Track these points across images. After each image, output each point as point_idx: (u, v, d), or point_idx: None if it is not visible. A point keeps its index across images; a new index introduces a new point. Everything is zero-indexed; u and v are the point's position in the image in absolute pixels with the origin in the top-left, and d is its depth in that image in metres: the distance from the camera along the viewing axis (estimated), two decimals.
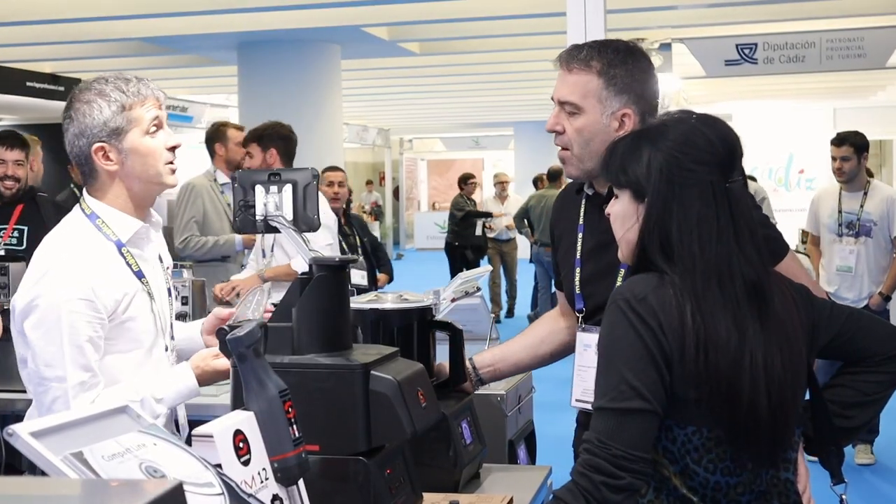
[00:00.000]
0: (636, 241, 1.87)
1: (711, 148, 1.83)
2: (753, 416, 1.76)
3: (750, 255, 1.81)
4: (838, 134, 6.24)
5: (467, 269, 10.11)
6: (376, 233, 23.00)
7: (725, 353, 1.75)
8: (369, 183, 26.29)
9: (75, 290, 2.26)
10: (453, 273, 11.17)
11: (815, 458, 2.02)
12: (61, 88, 12.64)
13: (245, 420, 1.64)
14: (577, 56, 2.33)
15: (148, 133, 2.36)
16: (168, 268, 2.56)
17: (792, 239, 6.80)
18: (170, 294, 2.51)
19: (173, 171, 2.42)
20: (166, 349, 2.49)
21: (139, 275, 2.39)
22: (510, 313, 12.51)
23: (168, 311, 2.49)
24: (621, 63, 2.31)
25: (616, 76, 2.30)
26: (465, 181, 12.82)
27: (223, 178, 5.81)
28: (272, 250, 4.94)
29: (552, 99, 2.38)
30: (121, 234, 2.38)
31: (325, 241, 4.99)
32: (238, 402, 1.83)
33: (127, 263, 2.37)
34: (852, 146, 6.05)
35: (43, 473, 1.24)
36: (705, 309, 1.76)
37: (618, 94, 2.29)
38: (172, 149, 2.40)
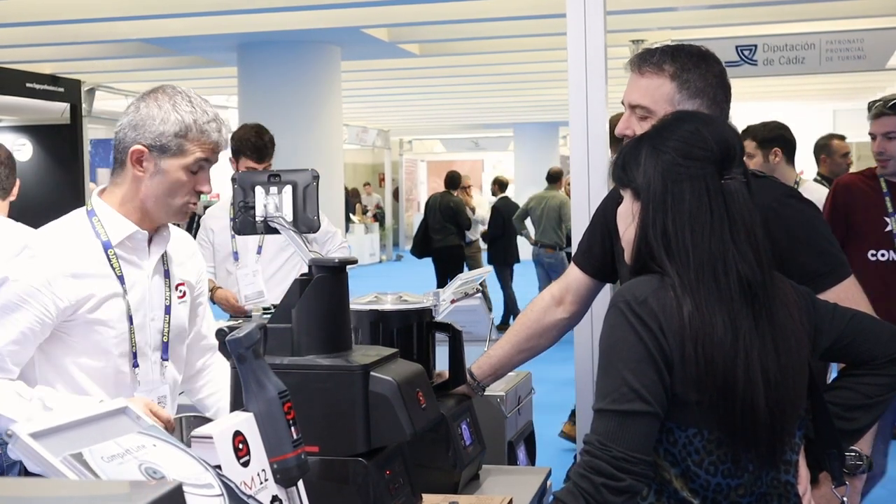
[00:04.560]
0: (633, 240, 1.87)
1: (705, 144, 1.84)
2: (751, 414, 1.77)
3: (745, 251, 1.81)
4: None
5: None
6: (377, 234, 23.22)
7: (721, 347, 1.75)
8: (367, 185, 26.29)
9: (33, 279, 2.25)
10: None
11: None
12: (61, 90, 12.65)
13: (244, 421, 1.64)
14: (650, 60, 2.31)
15: (187, 169, 2.34)
16: (180, 284, 2.50)
17: None
18: (167, 312, 2.45)
19: (186, 213, 2.40)
20: (161, 364, 2.44)
21: (121, 280, 2.35)
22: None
23: (163, 327, 2.44)
24: (694, 67, 2.28)
25: (689, 80, 2.27)
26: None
27: None
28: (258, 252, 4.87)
29: (622, 103, 2.35)
30: (112, 236, 2.36)
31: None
32: (237, 404, 1.83)
33: (111, 265, 2.34)
34: (754, 140, 4.99)
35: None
36: (702, 303, 1.77)
37: (690, 98, 2.27)
38: (201, 192, 2.38)
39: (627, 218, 1.91)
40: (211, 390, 2.66)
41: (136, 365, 2.38)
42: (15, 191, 3.86)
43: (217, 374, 2.67)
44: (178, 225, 2.58)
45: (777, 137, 5.02)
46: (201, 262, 2.67)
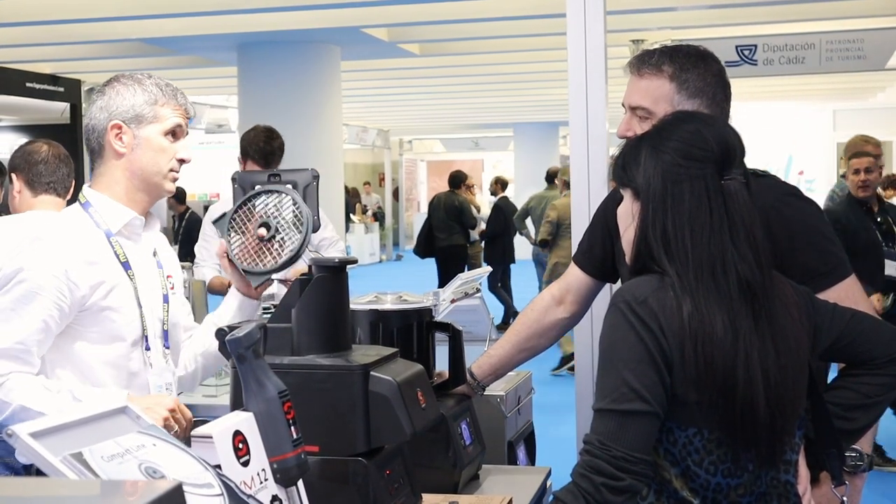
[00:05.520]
0: (633, 240, 1.87)
1: (706, 145, 1.84)
2: (751, 414, 1.77)
3: (744, 252, 1.81)
4: None
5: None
6: (374, 234, 23.27)
7: (721, 347, 1.75)
8: (367, 184, 26.28)
9: (49, 267, 2.27)
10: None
11: None
12: (61, 89, 12.65)
13: (244, 421, 1.64)
14: (648, 61, 2.32)
15: (166, 134, 2.40)
16: (169, 276, 2.51)
17: None
18: (165, 301, 2.47)
19: (174, 180, 2.45)
20: (164, 352, 2.46)
21: (126, 266, 2.38)
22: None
23: (162, 314, 2.46)
24: (693, 67, 2.29)
25: (688, 80, 2.28)
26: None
27: None
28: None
29: (623, 105, 2.36)
30: (111, 224, 2.38)
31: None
32: (237, 403, 1.83)
33: (115, 253, 2.37)
34: None
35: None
36: (701, 304, 1.77)
37: (690, 98, 2.28)
38: (182, 161, 2.44)
39: (627, 218, 1.91)
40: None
41: (147, 348, 2.41)
42: (72, 189, 3.79)
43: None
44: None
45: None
46: (178, 262, 2.69)
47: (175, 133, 2.42)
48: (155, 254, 2.49)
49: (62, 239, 2.33)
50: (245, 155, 4.76)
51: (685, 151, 1.84)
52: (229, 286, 4.81)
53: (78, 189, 2.48)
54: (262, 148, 4.70)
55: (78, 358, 2.33)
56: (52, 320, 2.27)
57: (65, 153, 3.71)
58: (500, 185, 13.26)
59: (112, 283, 2.34)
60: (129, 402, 2.18)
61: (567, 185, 9.60)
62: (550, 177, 11.37)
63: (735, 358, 1.76)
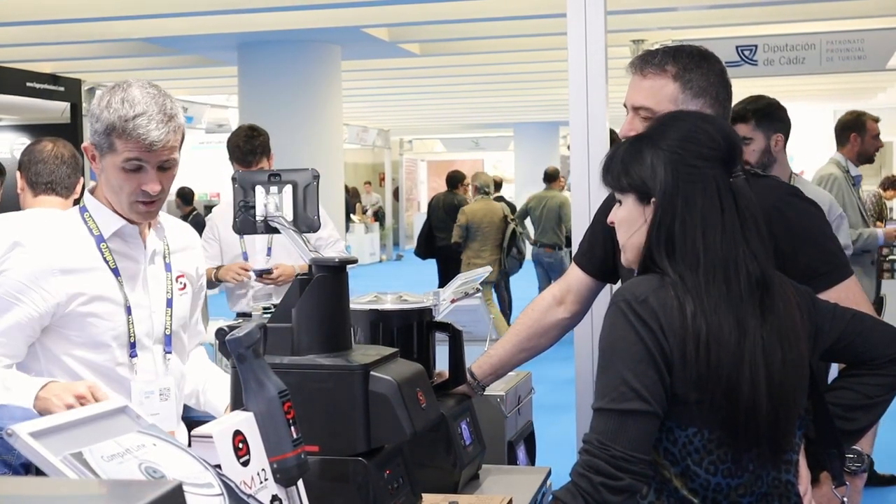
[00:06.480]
0: (643, 243, 1.86)
1: (713, 143, 1.83)
2: (754, 415, 1.77)
3: (756, 249, 1.81)
4: (734, 106, 4.01)
5: None
6: (374, 234, 23.24)
7: (728, 349, 1.75)
8: (367, 184, 26.26)
9: (21, 275, 2.28)
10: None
11: None
12: (61, 89, 12.65)
13: (244, 421, 1.63)
14: (651, 61, 2.31)
15: (122, 168, 2.29)
16: (179, 277, 2.51)
17: None
18: (169, 305, 2.46)
19: (141, 211, 2.35)
20: (165, 357, 2.46)
21: (115, 272, 2.36)
22: None
23: (165, 318, 2.45)
24: (696, 67, 2.28)
25: (692, 80, 2.27)
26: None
27: (855, 169, 5.63)
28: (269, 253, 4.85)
29: (625, 105, 2.35)
30: (104, 230, 2.37)
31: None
32: (237, 403, 1.83)
33: (104, 259, 2.36)
34: (753, 119, 4.20)
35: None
36: (709, 307, 1.76)
37: (694, 98, 2.27)
38: (147, 192, 2.31)
39: (634, 223, 1.88)
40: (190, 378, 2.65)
41: (133, 355, 2.39)
42: (78, 188, 3.77)
43: (195, 360, 2.68)
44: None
45: (782, 119, 4.41)
46: (201, 254, 2.68)
47: (137, 167, 2.28)
48: (165, 256, 2.48)
49: (40, 245, 2.32)
50: (229, 155, 4.77)
51: (696, 151, 1.83)
52: (215, 278, 4.82)
53: (84, 188, 2.49)
54: (241, 147, 4.69)
55: (64, 362, 2.35)
56: (19, 326, 2.29)
57: (69, 153, 3.70)
58: (494, 184, 13.24)
59: (96, 290, 2.33)
60: (43, 391, 2.18)
61: (478, 190, 10.19)
62: (549, 176, 11.37)
63: (741, 360, 1.76)
